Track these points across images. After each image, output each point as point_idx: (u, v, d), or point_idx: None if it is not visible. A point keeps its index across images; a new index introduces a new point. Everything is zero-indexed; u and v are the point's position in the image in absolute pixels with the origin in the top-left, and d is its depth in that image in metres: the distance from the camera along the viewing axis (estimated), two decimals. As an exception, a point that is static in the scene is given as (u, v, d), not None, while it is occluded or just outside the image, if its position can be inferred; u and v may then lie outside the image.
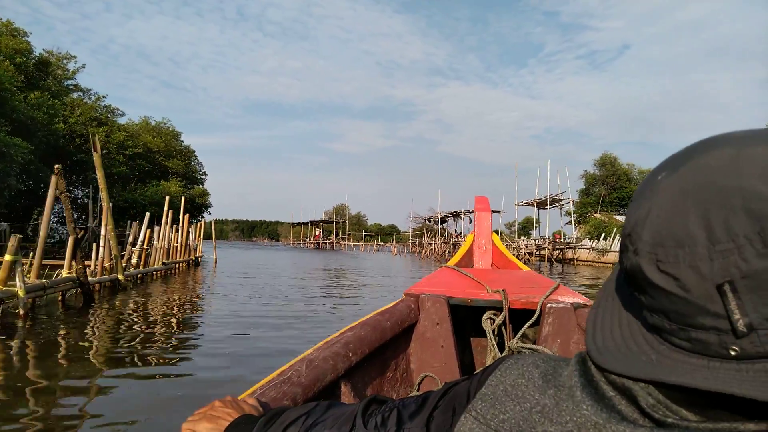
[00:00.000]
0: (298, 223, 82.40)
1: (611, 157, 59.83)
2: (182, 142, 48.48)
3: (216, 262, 22.86)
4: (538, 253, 33.96)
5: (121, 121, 39.08)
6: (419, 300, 2.21)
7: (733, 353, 0.37)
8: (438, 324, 2.12)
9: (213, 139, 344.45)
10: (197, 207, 44.11)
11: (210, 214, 59.71)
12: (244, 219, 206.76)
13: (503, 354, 1.75)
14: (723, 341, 0.38)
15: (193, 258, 20.65)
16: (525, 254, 35.55)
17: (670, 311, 0.41)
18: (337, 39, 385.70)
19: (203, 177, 51.86)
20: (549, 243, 32.35)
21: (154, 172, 39.22)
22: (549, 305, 2.11)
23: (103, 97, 38.61)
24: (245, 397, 0.97)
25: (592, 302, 2.21)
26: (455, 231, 57.22)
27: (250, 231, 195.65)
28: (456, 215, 56.45)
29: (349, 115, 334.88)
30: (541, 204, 37.63)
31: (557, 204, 37.64)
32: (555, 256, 32.17)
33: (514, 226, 52.48)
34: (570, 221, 49.48)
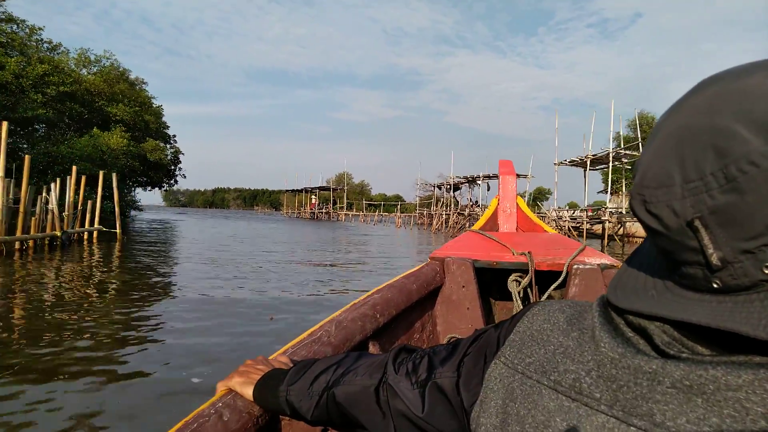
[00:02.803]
0: (293, 191, 73.94)
1: (649, 117, 50.66)
2: (139, 86, 40.05)
3: (121, 241, 14.80)
4: (590, 227, 25.63)
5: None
6: (445, 263, 2.18)
7: (715, 286, 0.38)
8: (464, 287, 2.10)
9: (218, 108, 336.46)
10: (152, 166, 35.73)
11: (184, 177, 51.79)
12: (247, 188, 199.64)
13: None
14: (706, 275, 0.39)
15: (59, 233, 12.41)
16: (568, 227, 27.25)
17: (662, 249, 0.43)
18: (342, 5, 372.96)
19: (164, 130, 43.53)
20: (611, 215, 23.84)
21: (94, 119, 30.86)
22: (575, 266, 2.07)
23: (40, 29, 30.32)
24: (276, 356, 0.99)
25: (619, 263, 2.03)
26: (470, 199, 48.85)
27: (252, 200, 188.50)
28: (472, 180, 47.97)
29: (355, 84, 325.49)
30: (596, 162, 28.93)
31: (622, 161, 28.85)
32: (616, 231, 23.79)
33: (525, 196, 44.59)
34: (604, 189, 41.48)
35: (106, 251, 12.29)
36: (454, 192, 50.84)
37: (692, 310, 0.39)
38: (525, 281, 2.08)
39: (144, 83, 44.81)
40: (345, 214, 57.86)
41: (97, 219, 14.93)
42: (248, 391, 0.84)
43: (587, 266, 2.06)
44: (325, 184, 65.99)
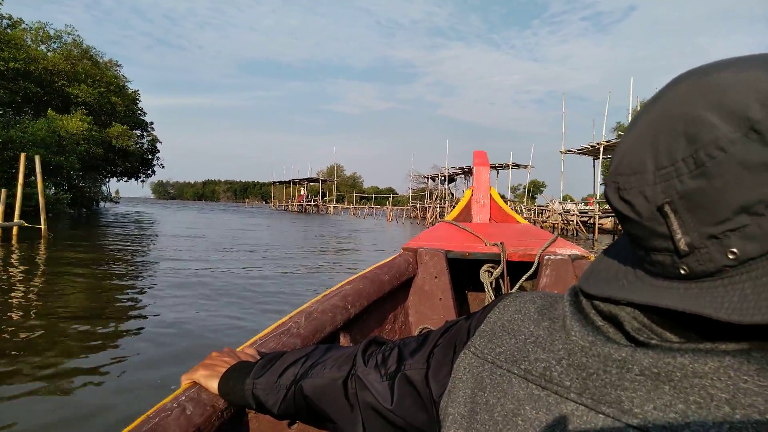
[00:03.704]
0: (281, 182, 70.86)
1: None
2: (113, 69, 37.09)
3: (47, 239, 12.02)
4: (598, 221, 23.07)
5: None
6: (417, 254, 2.17)
7: (683, 272, 0.39)
8: (436, 277, 2.09)
9: (209, 99, 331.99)
10: (121, 154, 32.62)
11: (163, 167, 48.75)
12: (237, 180, 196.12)
13: None
14: (674, 261, 0.40)
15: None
16: (576, 221, 24.71)
17: (634, 236, 0.43)
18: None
19: (140, 116, 40.47)
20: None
21: (53, 101, 27.84)
22: (547, 257, 2.08)
23: (-3, 4, 27.31)
24: (244, 348, 0.96)
25: (590, 254, 2.08)
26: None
27: (243, 192, 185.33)
28: (468, 171, 45.38)
29: (348, 76, 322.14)
30: (610, 149, 26.27)
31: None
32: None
33: (519, 188, 42.31)
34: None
35: (22, 253, 9.59)
36: (449, 184, 48.30)
37: (660, 295, 0.40)
38: (497, 272, 2.08)
39: (119, 66, 41.77)
40: (334, 207, 55.04)
41: (17, 212, 12.09)
42: (213, 384, 0.81)
43: (558, 257, 2.06)
44: (314, 176, 62.82)
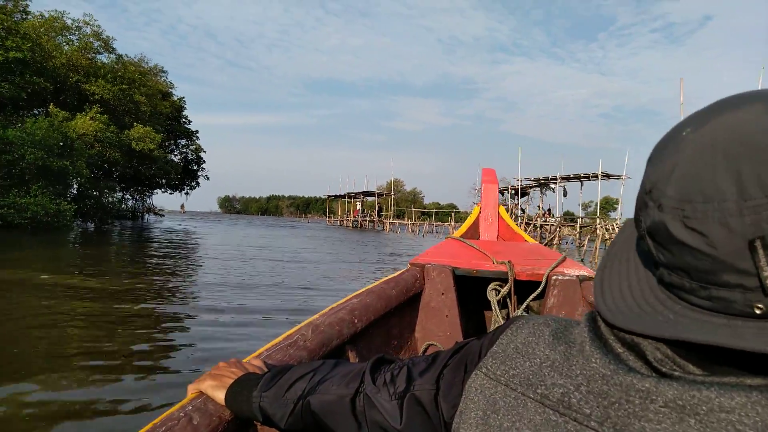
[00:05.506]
0: (336, 197, 66.92)
1: None
2: (158, 76, 34.25)
3: None
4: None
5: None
6: (425, 270, 2.16)
7: (758, 311, 0.37)
8: (443, 294, 2.09)
9: (276, 118, 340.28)
10: (144, 158, 28.69)
11: (207, 179, 45.62)
12: (301, 195, 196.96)
13: None
14: (748, 299, 0.37)
15: None
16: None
17: (692, 269, 0.40)
18: (398, 15, 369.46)
19: (183, 123, 37.38)
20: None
21: (68, 99, 24.62)
22: (555, 277, 2.07)
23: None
24: (251, 359, 0.96)
25: None
26: (541, 207, 39.78)
27: (305, 207, 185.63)
28: (544, 184, 38.95)
29: (409, 93, 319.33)
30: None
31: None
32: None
33: (591, 206, 35.42)
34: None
35: None
36: (521, 198, 41.98)
37: (723, 333, 0.38)
38: (504, 290, 2.06)
39: (164, 72, 39.16)
40: (390, 223, 49.90)
41: None
42: (220, 395, 0.81)
43: (566, 277, 2.05)
44: (369, 189, 58.19)
